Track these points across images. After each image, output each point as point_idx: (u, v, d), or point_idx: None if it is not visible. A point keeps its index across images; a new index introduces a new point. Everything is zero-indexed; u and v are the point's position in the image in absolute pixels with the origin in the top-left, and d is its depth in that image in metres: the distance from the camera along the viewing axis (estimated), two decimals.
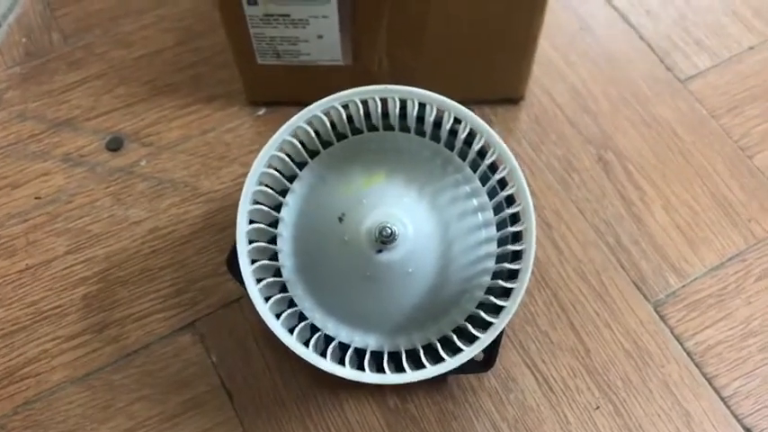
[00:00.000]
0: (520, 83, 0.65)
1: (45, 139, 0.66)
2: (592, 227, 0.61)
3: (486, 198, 0.49)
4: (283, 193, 0.50)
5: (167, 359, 0.56)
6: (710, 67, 0.69)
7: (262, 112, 0.67)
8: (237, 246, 0.47)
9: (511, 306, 0.45)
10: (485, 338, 0.45)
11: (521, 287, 0.45)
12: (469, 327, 0.46)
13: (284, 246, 0.50)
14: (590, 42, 0.70)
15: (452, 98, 0.51)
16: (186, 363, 0.56)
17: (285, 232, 0.50)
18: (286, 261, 0.49)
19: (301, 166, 0.50)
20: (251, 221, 0.49)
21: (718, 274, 0.59)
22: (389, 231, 0.44)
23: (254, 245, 0.48)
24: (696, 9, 0.72)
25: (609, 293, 0.59)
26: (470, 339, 0.46)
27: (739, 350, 0.57)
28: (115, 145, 0.65)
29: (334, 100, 0.47)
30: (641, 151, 0.64)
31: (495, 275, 0.48)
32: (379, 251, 0.45)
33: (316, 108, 0.47)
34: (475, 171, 0.49)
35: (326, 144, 0.50)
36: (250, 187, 0.48)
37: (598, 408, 0.55)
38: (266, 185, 0.49)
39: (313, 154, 0.50)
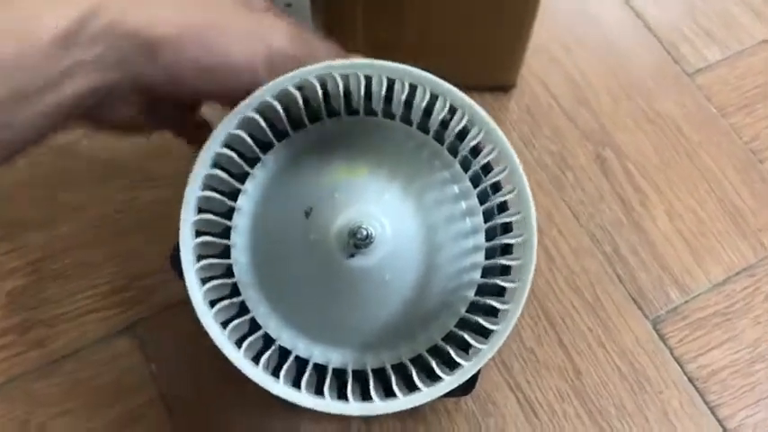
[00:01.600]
0: (511, 69, 0.59)
1: None
2: (587, 232, 0.55)
3: (476, 201, 0.42)
4: (242, 178, 0.42)
5: (100, 366, 0.49)
6: (720, 60, 0.63)
7: None
8: (180, 240, 0.40)
9: (503, 330, 0.39)
10: (469, 367, 0.39)
11: (516, 308, 0.39)
12: (449, 348, 0.39)
13: (238, 239, 0.42)
14: (590, 29, 0.64)
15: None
16: (122, 371, 0.49)
17: (241, 223, 0.42)
18: (240, 257, 0.42)
19: (266, 148, 0.43)
20: (201, 210, 0.41)
21: (725, 290, 0.53)
22: (365, 233, 0.37)
23: (202, 238, 0.41)
24: None
25: (603, 308, 0.52)
26: (449, 364, 0.39)
27: (746, 376, 0.51)
28: None
29: (309, 73, 0.40)
30: (643, 150, 0.58)
31: (481, 290, 0.41)
32: (351, 255, 0.38)
33: (286, 81, 0.39)
34: (466, 170, 0.42)
35: (297, 125, 0.43)
36: (201, 170, 0.40)
37: None
38: (222, 168, 0.42)
39: (280, 136, 0.43)
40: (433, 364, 0.39)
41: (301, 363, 0.42)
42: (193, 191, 0.40)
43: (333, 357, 0.42)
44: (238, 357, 0.39)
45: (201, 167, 0.40)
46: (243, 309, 0.42)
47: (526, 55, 0.57)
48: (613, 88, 0.61)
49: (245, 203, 0.42)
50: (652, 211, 0.56)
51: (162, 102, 0.38)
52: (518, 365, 0.50)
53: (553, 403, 0.49)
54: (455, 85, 0.41)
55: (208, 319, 0.40)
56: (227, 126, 0.40)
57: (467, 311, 0.41)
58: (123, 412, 0.48)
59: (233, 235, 0.42)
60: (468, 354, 0.39)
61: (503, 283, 0.40)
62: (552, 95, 0.60)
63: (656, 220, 0.56)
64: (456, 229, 0.41)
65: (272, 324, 0.42)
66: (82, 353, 0.50)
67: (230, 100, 0.38)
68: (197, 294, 0.40)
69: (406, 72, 0.40)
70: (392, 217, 0.39)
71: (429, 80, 0.40)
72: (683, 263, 0.54)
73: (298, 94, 0.40)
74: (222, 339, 0.39)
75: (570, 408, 0.49)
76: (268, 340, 0.42)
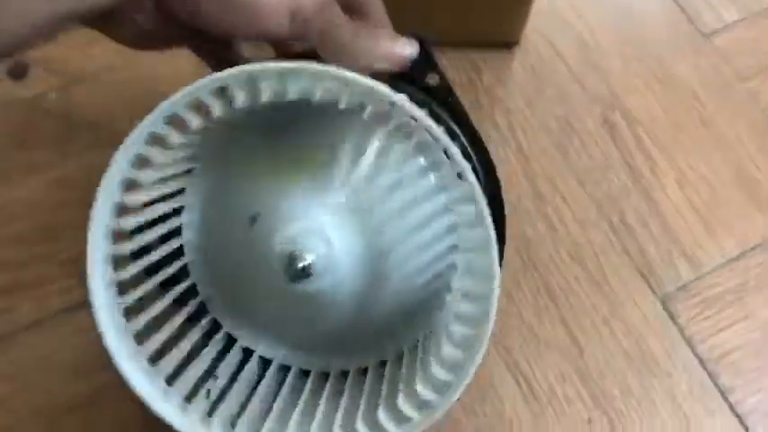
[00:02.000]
0: (515, 25, 0.54)
1: None
2: (593, 201, 0.51)
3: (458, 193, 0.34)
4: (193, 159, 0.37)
5: (63, 340, 0.45)
6: (738, 21, 0.58)
7: None
8: (93, 211, 0.34)
9: (457, 384, 0.32)
10: (418, 421, 0.32)
11: (471, 363, 0.32)
12: (402, 396, 0.33)
13: (190, 216, 0.38)
14: None
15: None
16: (87, 345, 0.45)
17: (190, 219, 0.37)
18: (191, 236, 0.38)
19: (214, 133, 0.36)
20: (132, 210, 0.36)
21: (739, 266, 0.50)
22: (304, 264, 0.31)
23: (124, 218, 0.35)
24: None
25: (609, 283, 0.49)
26: (400, 415, 0.33)
27: (759, 358, 0.47)
28: (19, 71, 0.53)
29: (210, 83, 0.30)
30: (654, 114, 0.54)
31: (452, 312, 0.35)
32: (293, 280, 0.32)
33: (198, 90, 0.31)
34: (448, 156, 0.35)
35: (250, 111, 0.35)
36: (135, 140, 0.33)
37: (590, 421, 0.45)
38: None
39: (225, 120, 0.36)
40: (379, 410, 0.33)
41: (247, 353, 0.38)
42: (106, 195, 0.34)
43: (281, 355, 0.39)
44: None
45: (116, 167, 0.34)
46: (192, 290, 0.38)
47: (531, 10, 0.53)
48: (624, 48, 0.57)
49: (193, 198, 0.37)
50: (662, 179, 0.52)
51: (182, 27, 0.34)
52: (517, 345, 0.47)
53: (554, 386, 0.46)
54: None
55: (99, 299, 0.35)
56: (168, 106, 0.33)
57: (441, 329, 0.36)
58: (85, 391, 0.44)
59: (185, 214, 0.38)
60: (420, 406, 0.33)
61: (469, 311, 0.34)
62: (558, 54, 0.56)
63: (667, 189, 0.52)
64: (431, 232, 0.35)
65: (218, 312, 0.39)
66: (43, 325, 0.46)
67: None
68: (97, 283, 0.35)
69: (322, 72, 0.30)
70: (344, 232, 0.33)
71: (352, 81, 0.30)
72: (695, 236, 0.50)
73: (217, 103, 0.32)
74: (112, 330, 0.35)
75: (572, 390, 0.46)
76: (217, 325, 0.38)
